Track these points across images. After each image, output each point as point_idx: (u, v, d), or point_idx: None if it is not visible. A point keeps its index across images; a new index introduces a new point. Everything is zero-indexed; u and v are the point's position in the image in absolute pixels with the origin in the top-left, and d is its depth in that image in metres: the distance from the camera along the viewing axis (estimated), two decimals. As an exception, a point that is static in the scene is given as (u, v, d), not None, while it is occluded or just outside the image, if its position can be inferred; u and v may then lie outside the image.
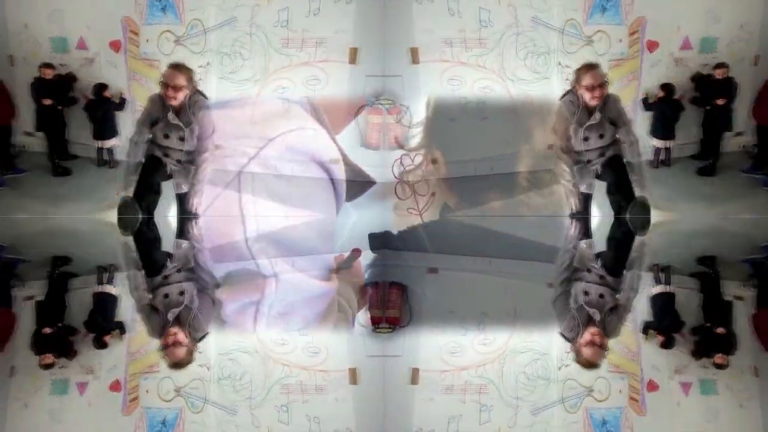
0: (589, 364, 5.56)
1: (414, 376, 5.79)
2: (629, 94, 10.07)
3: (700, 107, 10.43)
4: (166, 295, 6.40)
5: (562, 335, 6.09)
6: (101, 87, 10.43)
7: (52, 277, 7.30)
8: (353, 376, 5.84)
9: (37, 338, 5.82)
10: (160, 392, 5.23)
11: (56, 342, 5.81)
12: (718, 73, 10.26)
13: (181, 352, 5.53)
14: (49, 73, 10.48)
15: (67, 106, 10.60)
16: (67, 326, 6.17)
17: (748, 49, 10.42)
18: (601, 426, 5.01)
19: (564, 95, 9.87)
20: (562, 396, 5.27)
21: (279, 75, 9.99)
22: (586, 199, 10.00)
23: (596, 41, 9.91)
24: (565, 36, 9.93)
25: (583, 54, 9.89)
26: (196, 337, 5.81)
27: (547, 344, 6.11)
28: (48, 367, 5.36)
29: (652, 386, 5.26)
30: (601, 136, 9.78)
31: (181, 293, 6.41)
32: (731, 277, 7.27)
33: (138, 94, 10.14)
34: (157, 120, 9.99)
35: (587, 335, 5.84)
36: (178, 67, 9.97)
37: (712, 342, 5.82)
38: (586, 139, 9.73)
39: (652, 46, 9.97)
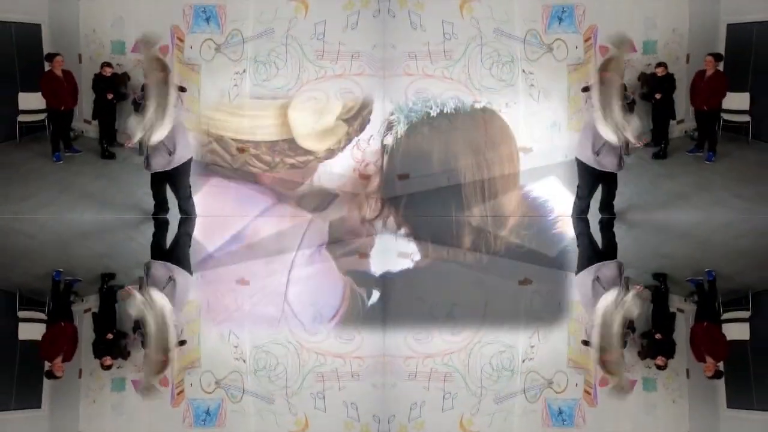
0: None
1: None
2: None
3: (648, 102, 10.02)
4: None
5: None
6: (148, 86, 10.06)
7: (102, 291, 6.97)
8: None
9: (98, 344, 5.59)
10: (203, 385, 4.94)
11: (112, 346, 5.59)
12: (659, 71, 9.84)
13: None
14: (108, 71, 10.20)
15: (120, 101, 10.27)
16: (120, 331, 5.96)
17: (681, 49, 10.01)
18: (557, 415, 4.73)
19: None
20: (524, 387, 4.91)
21: (311, 86, 9.11)
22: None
23: (555, 48, 9.27)
24: (527, 45, 9.18)
25: (544, 61, 9.23)
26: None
27: (513, 338, 5.78)
28: (108, 368, 5.16)
29: (604, 382, 5.02)
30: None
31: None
32: (677, 292, 6.92)
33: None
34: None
35: None
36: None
37: (655, 346, 5.59)
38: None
39: (604, 50, 9.39)
